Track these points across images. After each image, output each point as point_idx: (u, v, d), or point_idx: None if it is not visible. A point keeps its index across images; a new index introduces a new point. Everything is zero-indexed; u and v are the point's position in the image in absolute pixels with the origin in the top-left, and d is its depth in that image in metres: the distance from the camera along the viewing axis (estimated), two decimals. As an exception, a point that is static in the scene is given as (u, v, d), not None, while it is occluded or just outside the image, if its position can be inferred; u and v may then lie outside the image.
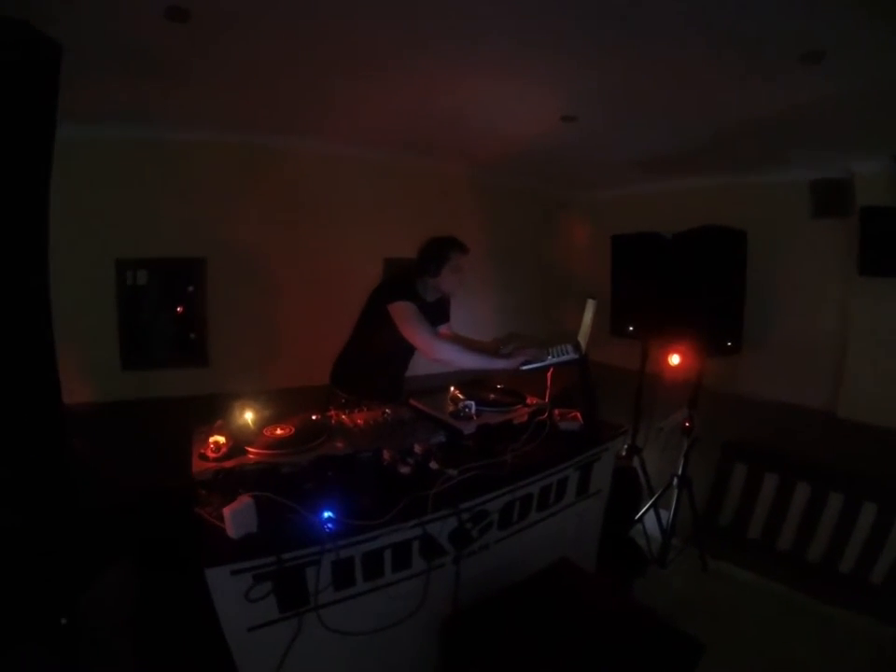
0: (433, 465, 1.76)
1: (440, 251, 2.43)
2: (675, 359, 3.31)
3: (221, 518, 1.35)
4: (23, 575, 1.50)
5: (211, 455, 1.64)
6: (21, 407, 1.15)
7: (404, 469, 1.71)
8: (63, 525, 1.52)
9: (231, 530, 1.30)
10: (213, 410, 2.03)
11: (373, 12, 2.26)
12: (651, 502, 3.35)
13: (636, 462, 3.50)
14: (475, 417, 2.10)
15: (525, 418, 2.27)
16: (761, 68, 2.60)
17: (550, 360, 2.26)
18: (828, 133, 3.38)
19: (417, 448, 1.83)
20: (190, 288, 4.18)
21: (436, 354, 2.23)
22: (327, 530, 1.40)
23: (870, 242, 3.57)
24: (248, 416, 1.92)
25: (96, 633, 2.12)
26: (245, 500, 1.34)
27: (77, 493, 1.40)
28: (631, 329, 3.52)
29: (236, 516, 1.30)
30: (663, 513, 3.38)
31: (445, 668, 1.83)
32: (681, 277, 3.24)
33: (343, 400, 2.43)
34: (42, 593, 1.59)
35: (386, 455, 1.76)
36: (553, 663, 1.59)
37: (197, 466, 1.63)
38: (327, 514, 1.42)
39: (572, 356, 2.23)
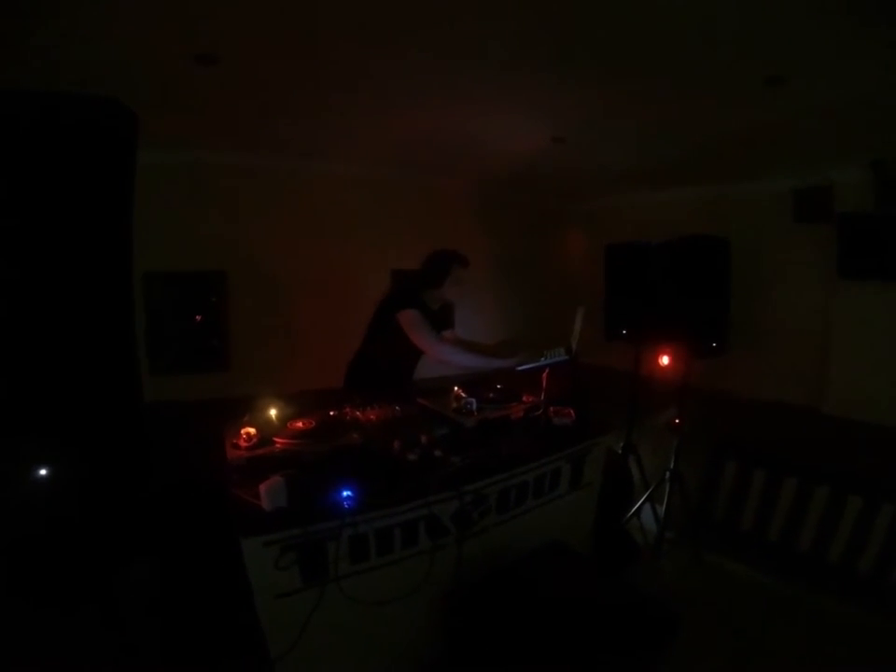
0: (437, 453, 1.98)
1: (443, 264, 2.65)
2: (664, 361, 3.49)
3: (255, 496, 1.57)
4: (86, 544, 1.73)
5: (243, 444, 1.88)
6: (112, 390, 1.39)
7: (412, 457, 1.93)
8: (126, 504, 1.75)
9: (266, 503, 1.53)
10: (233, 411, 2.24)
11: (382, 51, 2.51)
12: (644, 496, 3.52)
13: (631, 458, 3.67)
14: (476, 413, 2.30)
15: (522, 414, 2.49)
16: (732, 90, 2.82)
17: (543, 361, 2.47)
18: (805, 144, 3.58)
19: (424, 439, 2.04)
20: (213, 299, 4.41)
21: (440, 355, 2.48)
22: (346, 506, 1.62)
23: (848, 246, 3.71)
24: (272, 412, 2.16)
25: (127, 612, 2.31)
26: (277, 479, 1.56)
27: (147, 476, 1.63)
28: (624, 332, 3.67)
29: (270, 491, 1.53)
30: (658, 508, 3.54)
31: (447, 637, 2.02)
32: (670, 284, 3.41)
33: (358, 401, 2.58)
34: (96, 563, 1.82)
35: (396, 444, 1.98)
36: (543, 631, 1.79)
37: (231, 454, 1.87)
38: (346, 493, 1.64)
39: (563, 358, 2.45)
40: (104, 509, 1.67)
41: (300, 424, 2.06)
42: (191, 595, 2.31)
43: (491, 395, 2.57)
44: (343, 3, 2.17)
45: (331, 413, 2.24)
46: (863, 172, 3.75)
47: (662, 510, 3.40)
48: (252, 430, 1.91)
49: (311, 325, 4.75)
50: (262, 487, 1.53)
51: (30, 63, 2.40)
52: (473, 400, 2.33)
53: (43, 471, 1.29)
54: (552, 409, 2.53)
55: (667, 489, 3.41)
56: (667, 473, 3.44)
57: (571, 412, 2.54)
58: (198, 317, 4.35)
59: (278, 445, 1.90)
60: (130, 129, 1.30)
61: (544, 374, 2.58)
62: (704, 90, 2.81)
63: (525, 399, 2.64)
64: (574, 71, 2.72)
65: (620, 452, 3.64)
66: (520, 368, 2.46)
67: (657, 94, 2.93)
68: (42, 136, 1.10)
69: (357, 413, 2.29)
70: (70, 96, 1.14)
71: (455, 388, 2.53)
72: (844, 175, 3.88)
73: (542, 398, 2.59)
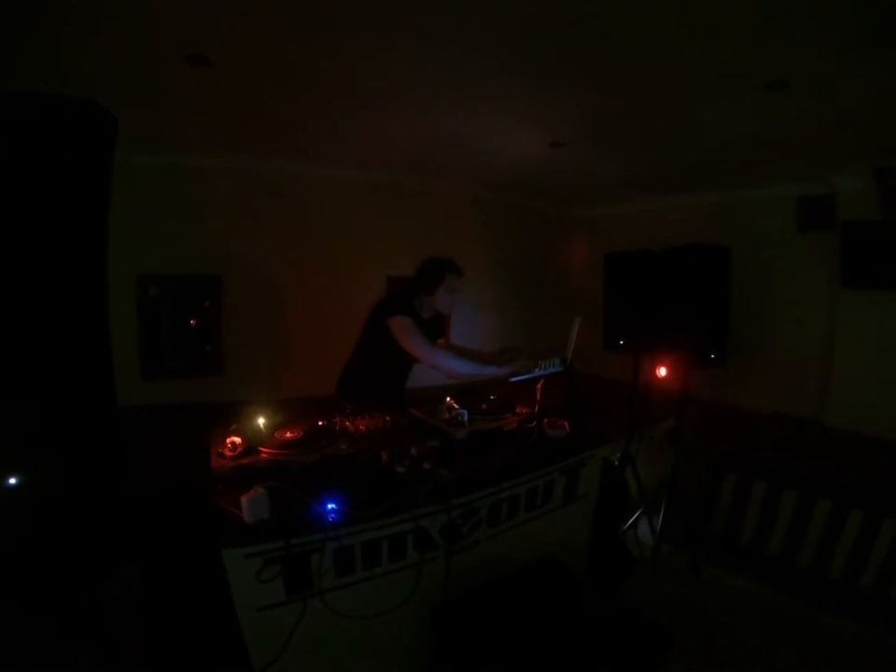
0: (427, 465, 1.94)
1: (436, 271, 2.62)
2: (662, 371, 3.45)
3: (238, 507, 1.54)
4: (60, 547, 1.71)
5: (228, 453, 1.85)
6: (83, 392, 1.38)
7: (400, 469, 1.89)
8: (102, 508, 1.72)
9: (247, 515, 1.49)
10: (225, 416, 2.22)
11: (380, 54, 2.49)
12: (641, 509, 3.47)
13: (628, 470, 3.63)
14: (467, 424, 2.25)
15: (515, 426, 2.44)
16: (734, 95, 2.79)
17: (537, 372, 2.43)
18: (808, 151, 3.55)
19: (413, 450, 2.00)
20: (206, 303, 4.39)
21: (431, 360, 2.45)
22: (330, 519, 1.59)
23: (852, 255, 3.67)
24: (261, 421, 2.12)
25: (112, 622, 2.28)
26: (259, 490, 1.53)
27: (120, 479, 1.60)
28: (622, 342, 3.64)
29: (251, 503, 1.50)
30: (655, 520, 3.49)
31: (435, 652, 1.98)
32: (669, 292, 3.38)
33: (349, 410, 2.56)
34: (72, 568, 1.79)
35: (384, 456, 1.94)
36: (532, 646, 1.76)
37: (215, 463, 1.84)
38: (330, 506, 1.61)
39: (558, 368, 2.42)
40: (77, 513, 1.65)
41: (287, 433, 2.03)
42: (175, 603, 2.28)
43: (484, 406, 2.53)
44: (340, 4, 2.16)
45: (320, 423, 2.20)
46: (867, 180, 3.72)
47: (659, 522, 3.35)
48: (237, 439, 1.88)
49: (305, 331, 4.72)
50: (244, 499, 1.50)
51: (19, 66, 2.40)
52: (465, 411, 2.28)
53: (12, 480, 1.27)
54: (546, 420, 2.50)
55: (665, 501, 3.36)
56: (665, 485, 3.39)
57: (566, 423, 2.50)
58: (193, 322, 4.33)
59: (264, 455, 1.87)
60: (106, 130, 1.28)
61: (539, 385, 2.54)
62: (705, 95, 2.79)
63: (518, 410, 2.59)
64: (573, 75, 2.70)
65: (617, 463, 3.59)
66: (513, 378, 2.42)
67: (658, 99, 2.91)
68: (16, 136, 1.09)
69: (347, 422, 2.25)
70: (45, 97, 1.13)
71: (448, 399, 2.49)
72: (847, 183, 3.84)
73: (537, 409, 2.55)
